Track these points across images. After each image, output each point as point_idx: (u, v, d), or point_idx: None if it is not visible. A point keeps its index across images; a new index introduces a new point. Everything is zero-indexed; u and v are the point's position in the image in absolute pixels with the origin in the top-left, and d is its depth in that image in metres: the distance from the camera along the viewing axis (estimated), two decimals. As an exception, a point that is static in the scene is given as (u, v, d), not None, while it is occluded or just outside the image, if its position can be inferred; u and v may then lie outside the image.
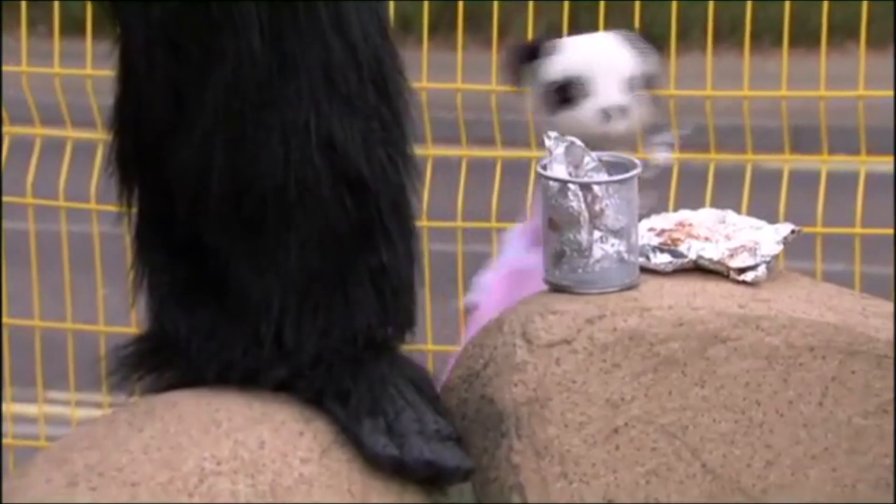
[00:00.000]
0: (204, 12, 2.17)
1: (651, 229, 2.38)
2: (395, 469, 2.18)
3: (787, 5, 3.72)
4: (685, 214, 2.40)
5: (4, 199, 3.88)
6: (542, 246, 2.39)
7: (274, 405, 2.20)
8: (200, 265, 2.26)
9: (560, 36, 2.67)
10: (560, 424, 2.22)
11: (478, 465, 2.22)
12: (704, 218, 2.39)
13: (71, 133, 3.87)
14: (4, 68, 3.96)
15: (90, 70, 3.71)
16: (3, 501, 2.10)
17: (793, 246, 2.40)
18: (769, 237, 2.36)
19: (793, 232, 2.38)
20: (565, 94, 2.58)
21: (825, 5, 3.73)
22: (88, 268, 3.76)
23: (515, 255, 2.54)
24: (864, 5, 3.78)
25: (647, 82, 2.62)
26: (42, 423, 3.91)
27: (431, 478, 2.20)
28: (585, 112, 2.56)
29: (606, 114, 2.57)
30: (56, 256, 3.88)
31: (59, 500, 2.06)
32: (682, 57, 3.80)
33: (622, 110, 2.57)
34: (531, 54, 2.61)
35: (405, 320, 2.30)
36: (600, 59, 2.60)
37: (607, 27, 3.88)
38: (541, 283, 2.38)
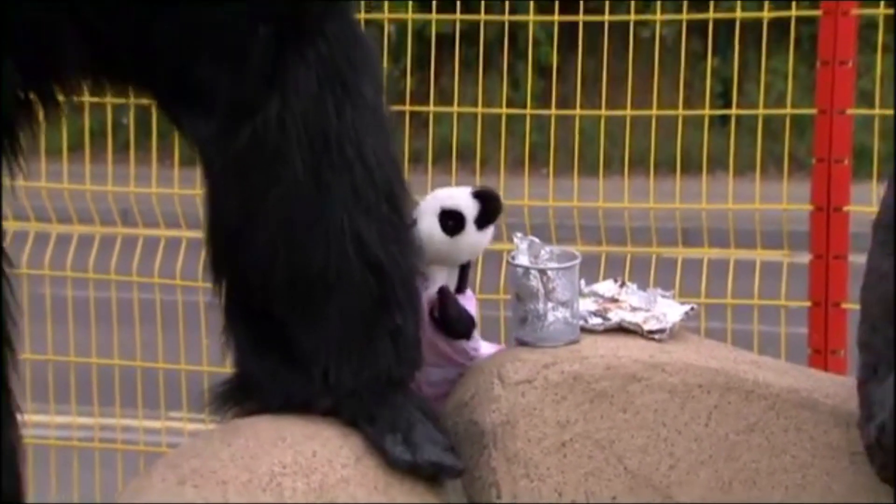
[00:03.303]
0: (262, 150, 2.13)
1: (595, 293, 2.34)
2: (410, 469, 2.12)
3: (679, 142, 3.72)
4: (625, 295, 2.35)
5: (141, 278, 3.86)
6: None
7: (323, 425, 2.15)
8: (269, 328, 2.21)
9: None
10: (524, 440, 2.17)
11: (466, 468, 2.17)
12: (637, 297, 2.35)
13: (185, 233, 3.84)
14: (140, 189, 3.95)
15: (198, 191, 3.70)
16: (131, 498, 2.05)
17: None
18: (675, 311, 2.33)
19: (692, 309, 2.36)
20: None
21: (705, 143, 3.73)
22: (196, 326, 3.74)
23: None
24: (731, 144, 3.79)
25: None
26: (163, 434, 3.87)
27: (435, 474, 2.14)
28: None
29: None
30: (174, 318, 3.85)
31: (171, 495, 2.02)
32: (608, 179, 3.79)
33: None
34: None
35: (414, 364, 2.24)
36: None
37: (556, 163, 3.89)
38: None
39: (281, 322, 2.19)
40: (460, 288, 2.33)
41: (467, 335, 2.32)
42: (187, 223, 3.83)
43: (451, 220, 2.29)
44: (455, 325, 2.31)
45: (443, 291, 2.30)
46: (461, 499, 2.18)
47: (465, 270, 2.34)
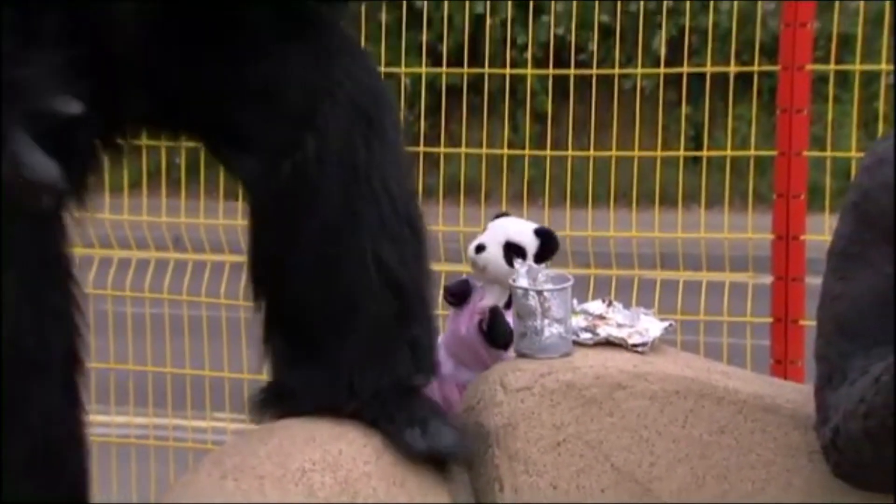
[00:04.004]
0: (302, 184, 2.11)
1: (585, 311, 2.32)
2: (430, 454, 2.09)
3: (657, 179, 3.71)
4: (612, 313, 2.33)
5: (190, 297, 3.84)
6: (453, 352, 2.35)
7: (348, 427, 2.12)
8: (301, 341, 2.18)
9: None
10: (524, 440, 2.15)
11: (472, 465, 2.15)
12: (622, 315, 2.33)
13: (228, 258, 3.82)
14: (190, 220, 3.94)
15: (240, 221, 3.67)
16: (181, 491, 2.02)
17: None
18: (656, 327, 2.31)
19: (670, 325, 2.33)
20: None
21: (680, 180, 3.71)
22: (238, 339, 3.72)
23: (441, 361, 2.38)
24: (703, 181, 3.77)
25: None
26: (209, 433, 3.85)
27: (450, 456, 2.11)
28: None
29: None
30: (218, 332, 3.84)
31: (215, 489, 1.99)
32: (596, 211, 3.77)
33: None
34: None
35: (429, 370, 2.22)
36: None
37: (550, 196, 3.87)
38: (453, 387, 2.34)
39: (312, 335, 2.17)
40: (508, 304, 2.33)
41: (506, 348, 2.32)
42: (230, 249, 3.82)
43: (514, 254, 2.30)
44: (499, 338, 2.32)
45: (495, 310, 2.31)
46: (469, 491, 2.16)
47: None
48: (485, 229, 2.41)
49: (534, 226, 2.37)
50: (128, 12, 1.98)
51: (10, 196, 1.86)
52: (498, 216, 2.44)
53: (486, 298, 2.36)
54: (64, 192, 1.90)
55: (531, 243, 2.33)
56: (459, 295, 2.39)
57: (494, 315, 2.32)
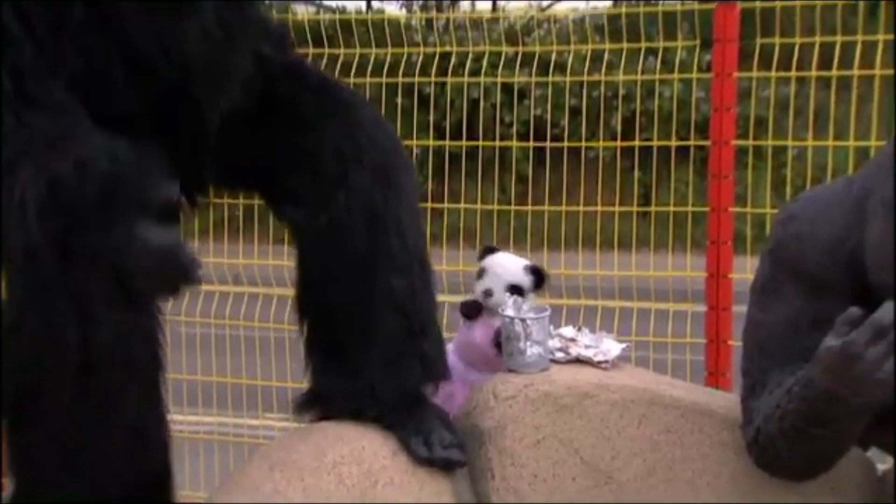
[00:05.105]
0: (335, 230, 2.10)
1: (559, 335, 2.30)
2: (428, 462, 2.08)
3: (616, 228, 3.69)
4: (580, 337, 2.31)
5: (246, 322, 3.81)
6: (464, 356, 2.35)
7: (371, 429, 2.11)
8: (334, 356, 2.17)
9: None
10: (510, 438, 2.13)
11: (470, 459, 2.13)
12: (589, 338, 2.31)
13: (276, 290, 3.81)
14: (246, 261, 3.91)
15: (286, 262, 3.66)
16: (237, 479, 1.99)
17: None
18: (615, 347, 2.29)
19: (627, 346, 2.32)
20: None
21: (634, 229, 3.69)
22: (283, 354, 3.69)
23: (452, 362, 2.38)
24: (652, 230, 3.75)
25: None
26: (260, 430, 3.81)
27: (445, 466, 2.10)
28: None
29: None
30: (268, 348, 3.82)
31: (264, 478, 1.97)
32: (567, 253, 3.75)
33: None
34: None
35: (437, 377, 2.20)
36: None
37: (532, 242, 3.85)
38: (459, 384, 2.33)
39: (342, 351, 2.15)
40: None
41: None
42: (277, 283, 3.80)
43: (516, 293, 2.32)
44: None
45: None
46: (467, 480, 2.13)
47: None
48: (482, 268, 2.39)
49: (523, 263, 2.38)
50: (214, 106, 1.98)
51: (151, 285, 1.65)
52: (487, 250, 2.44)
53: (497, 321, 2.37)
54: (194, 267, 1.69)
55: (526, 281, 2.36)
56: (473, 308, 2.40)
57: None
